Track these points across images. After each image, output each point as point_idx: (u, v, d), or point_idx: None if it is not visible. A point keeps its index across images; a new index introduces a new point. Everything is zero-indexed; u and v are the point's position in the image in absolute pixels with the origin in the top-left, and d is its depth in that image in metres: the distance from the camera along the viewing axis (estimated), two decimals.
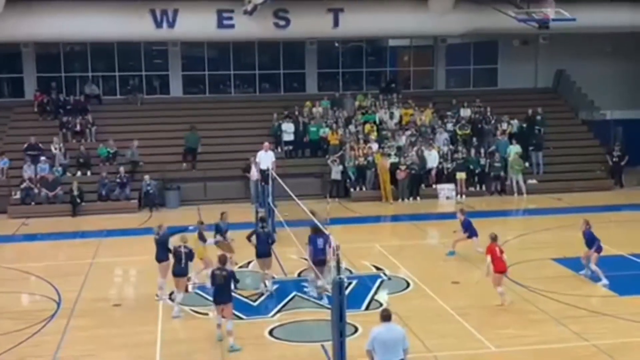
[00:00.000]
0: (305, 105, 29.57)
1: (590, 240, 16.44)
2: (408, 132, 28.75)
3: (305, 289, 16.10)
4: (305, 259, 17.58)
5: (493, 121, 29.50)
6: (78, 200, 25.08)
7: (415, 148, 27.75)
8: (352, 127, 28.91)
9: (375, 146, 27.58)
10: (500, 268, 14.91)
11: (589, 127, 31.41)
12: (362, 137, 28.36)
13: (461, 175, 27.26)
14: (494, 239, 15.17)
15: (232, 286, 13.55)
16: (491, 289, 16.28)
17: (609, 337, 13.34)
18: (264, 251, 16.05)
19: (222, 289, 13.28)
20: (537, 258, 18.44)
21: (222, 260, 13.54)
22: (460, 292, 16.04)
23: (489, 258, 14.94)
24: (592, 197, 26.78)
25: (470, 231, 18.34)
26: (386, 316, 10.37)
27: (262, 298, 15.79)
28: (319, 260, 15.29)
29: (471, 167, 27.50)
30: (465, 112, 30.03)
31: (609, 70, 32.25)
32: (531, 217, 23.60)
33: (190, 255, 15.00)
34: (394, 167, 26.71)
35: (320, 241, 15.29)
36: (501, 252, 15.07)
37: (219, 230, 17.11)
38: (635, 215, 23.96)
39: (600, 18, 28.92)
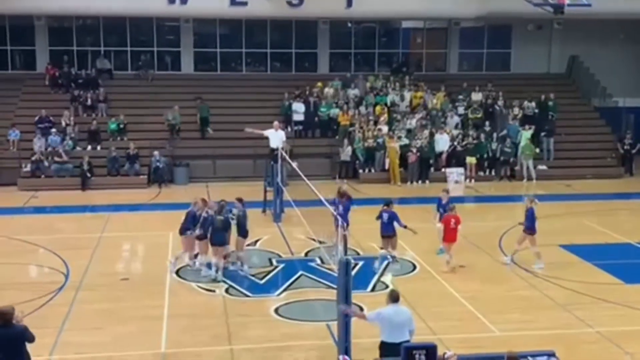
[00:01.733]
0: (317, 86, 29.48)
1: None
2: (419, 115, 28.65)
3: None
4: (313, 239, 17.68)
5: (504, 106, 29.32)
6: (88, 175, 25.19)
7: (426, 131, 27.67)
8: (362, 109, 28.83)
9: (385, 128, 27.51)
10: (449, 239, 16.17)
11: (601, 114, 31.25)
12: (372, 118, 28.29)
13: (471, 160, 27.21)
14: (451, 209, 16.50)
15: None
16: (496, 273, 16.36)
17: (614, 324, 13.36)
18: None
19: (220, 232, 15.06)
20: (545, 244, 18.37)
21: (221, 207, 15.12)
22: (466, 276, 16.06)
23: (441, 226, 16.48)
24: (601, 184, 26.71)
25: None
26: (395, 297, 10.45)
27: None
28: (384, 235, 16.39)
29: (481, 152, 27.43)
30: (477, 96, 29.90)
31: (622, 57, 32.07)
32: (540, 203, 23.46)
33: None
34: (404, 150, 26.68)
35: (385, 216, 16.28)
36: (456, 223, 16.18)
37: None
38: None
39: (615, 4, 28.64)
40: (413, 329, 10.36)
